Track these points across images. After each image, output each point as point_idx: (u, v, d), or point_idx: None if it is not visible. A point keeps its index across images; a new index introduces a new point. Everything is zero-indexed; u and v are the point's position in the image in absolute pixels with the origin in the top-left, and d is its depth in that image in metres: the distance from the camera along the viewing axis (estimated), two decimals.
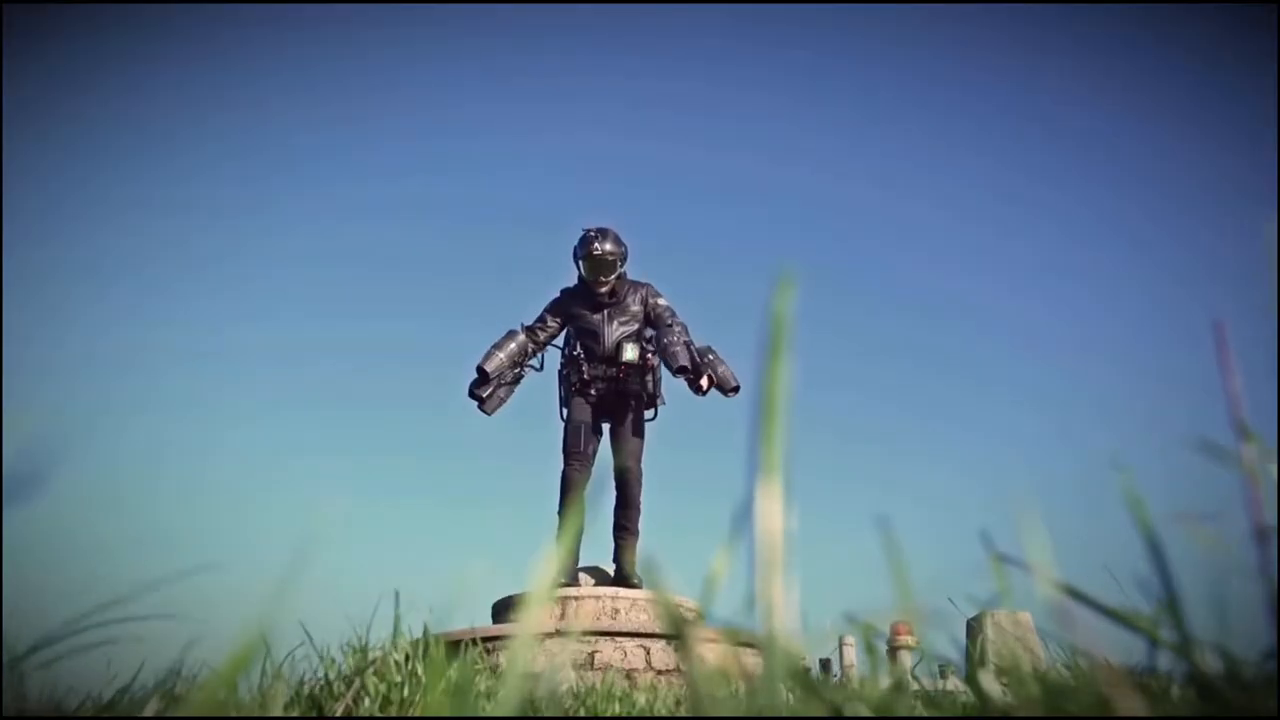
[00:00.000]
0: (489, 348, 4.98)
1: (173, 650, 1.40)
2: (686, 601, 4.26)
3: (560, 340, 5.26)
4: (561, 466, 4.99)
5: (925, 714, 0.98)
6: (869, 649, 0.72)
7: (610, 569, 5.07)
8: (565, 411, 5.11)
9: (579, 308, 5.12)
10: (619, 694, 2.41)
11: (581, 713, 2.16)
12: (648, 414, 5.12)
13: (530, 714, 1.33)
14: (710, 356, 4.86)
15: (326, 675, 1.70)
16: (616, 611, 4.50)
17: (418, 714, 1.55)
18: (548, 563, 0.43)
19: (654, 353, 5.00)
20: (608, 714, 2.19)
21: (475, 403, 4.99)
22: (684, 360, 4.67)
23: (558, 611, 4.52)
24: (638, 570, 4.88)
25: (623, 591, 4.61)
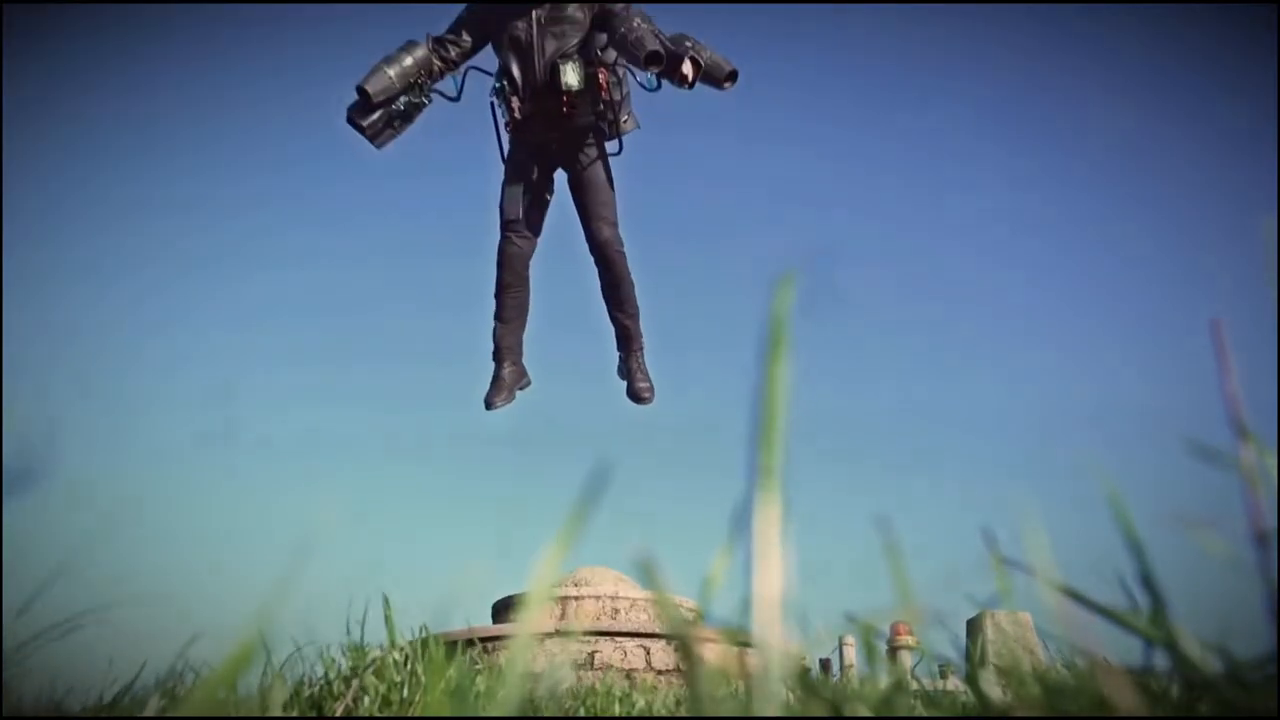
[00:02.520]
0: (377, 61, 3.72)
1: (173, 649, 1.40)
2: (686, 601, 4.26)
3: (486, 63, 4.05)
4: (498, 238, 3.92)
5: (925, 714, 0.98)
6: (869, 649, 0.72)
7: (613, 570, 5.06)
8: (503, 153, 4.00)
9: (501, 13, 3.83)
10: (619, 694, 2.41)
11: (581, 713, 2.16)
12: (610, 147, 3.96)
13: (530, 714, 1.33)
14: (689, 43, 3.67)
15: (326, 675, 1.70)
16: (616, 611, 4.50)
17: (418, 714, 1.55)
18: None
19: (613, 65, 3.83)
20: (608, 714, 2.19)
21: (358, 133, 3.81)
22: (653, 45, 3.48)
23: (558, 611, 4.53)
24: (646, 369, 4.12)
25: (623, 591, 4.61)
